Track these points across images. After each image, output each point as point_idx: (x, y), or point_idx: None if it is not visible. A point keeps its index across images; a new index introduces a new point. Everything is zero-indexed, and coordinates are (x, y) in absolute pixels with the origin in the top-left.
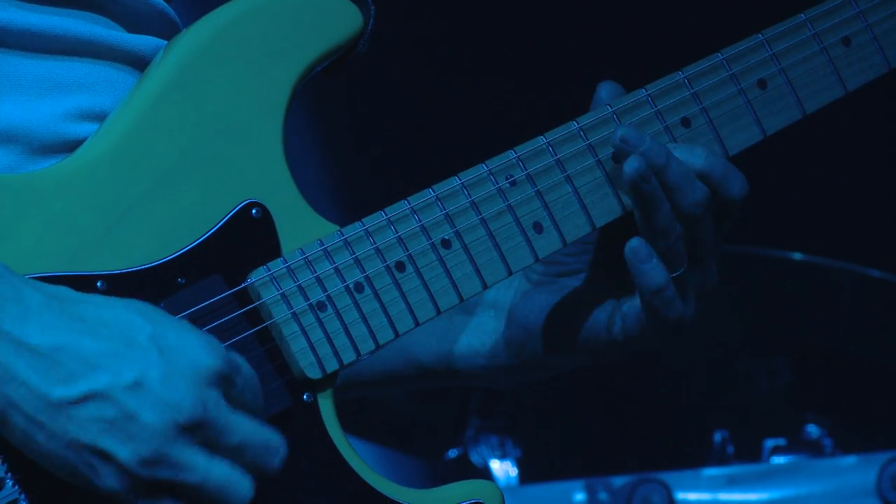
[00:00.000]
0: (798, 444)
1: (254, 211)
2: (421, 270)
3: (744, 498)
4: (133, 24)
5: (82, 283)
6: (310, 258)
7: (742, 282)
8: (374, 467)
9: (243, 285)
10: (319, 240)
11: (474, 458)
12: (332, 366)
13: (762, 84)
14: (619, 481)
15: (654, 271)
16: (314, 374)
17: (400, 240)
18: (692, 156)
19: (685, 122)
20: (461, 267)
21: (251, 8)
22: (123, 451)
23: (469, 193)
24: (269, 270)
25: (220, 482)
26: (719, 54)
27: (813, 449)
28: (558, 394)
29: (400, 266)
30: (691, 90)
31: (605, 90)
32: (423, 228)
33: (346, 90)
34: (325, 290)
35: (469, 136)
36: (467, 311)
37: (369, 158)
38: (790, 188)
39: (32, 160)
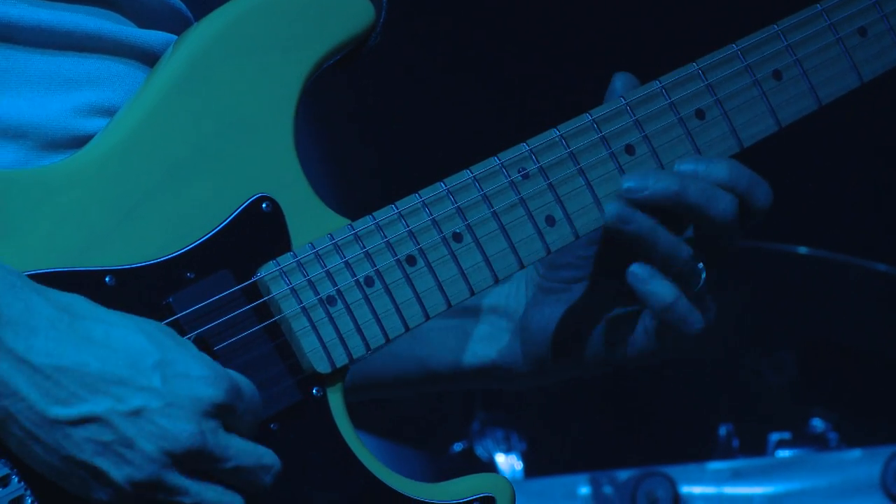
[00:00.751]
0: (803, 438)
1: (264, 205)
2: (432, 264)
3: (749, 491)
4: (145, 19)
5: (92, 279)
6: (320, 252)
7: (748, 276)
8: (379, 461)
9: (252, 280)
10: (330, 234)
11: (480, 451)
12: (341, 360)
13: (777, 75)
14: (623, 475)
15: (659, 290)
16: (323, 368)
17: (411, 233)
18: (716, 169)
19: (699, 114)
20: (472, 260)
21: (262, 2)
22: (117, 473)
23: (481, 187)
24: (279, 265)
25: (212, 503)
26: (734, 45)
27: (818, 443)
28: (563, 388)
29: (411, 260)
30: (705, 81)
31: (620, 81)
32: (435, 222)
33: (356, 83)
34: (335, 284)
35: (481, 130)
36: (479, 320)
37: (379, 153)
38: (796, 182)
39: (42, 155)
